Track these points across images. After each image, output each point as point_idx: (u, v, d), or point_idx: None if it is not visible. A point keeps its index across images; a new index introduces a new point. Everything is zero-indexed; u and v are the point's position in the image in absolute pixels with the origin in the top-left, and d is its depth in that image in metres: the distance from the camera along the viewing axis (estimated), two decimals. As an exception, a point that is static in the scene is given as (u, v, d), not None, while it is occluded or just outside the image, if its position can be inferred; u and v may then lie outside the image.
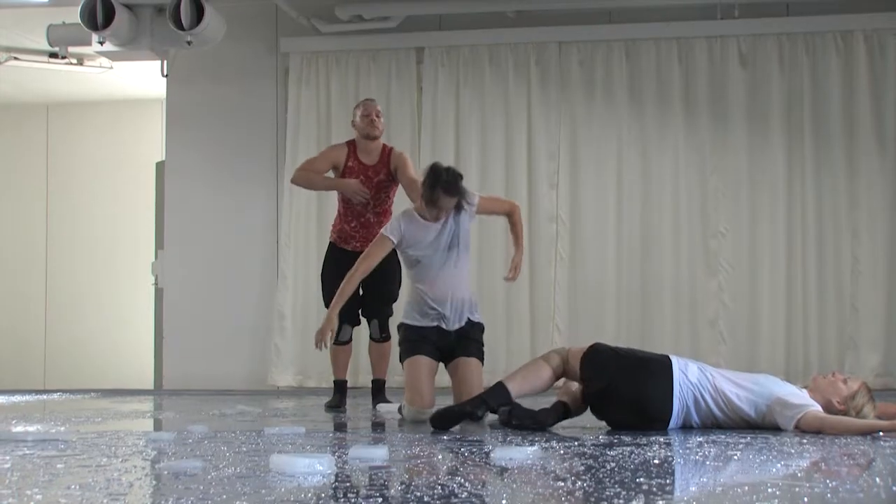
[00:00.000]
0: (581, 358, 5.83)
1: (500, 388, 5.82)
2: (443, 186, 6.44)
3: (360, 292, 7.85)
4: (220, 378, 10.72)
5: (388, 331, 7.92)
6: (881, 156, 10.12)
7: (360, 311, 7.93)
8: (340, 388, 8.04)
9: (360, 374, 10.01)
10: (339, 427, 6.57)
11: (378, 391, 7.98)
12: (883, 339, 9.97)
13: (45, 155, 14.26)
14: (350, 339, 7.98)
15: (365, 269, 6.76)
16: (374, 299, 7.88)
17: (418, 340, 6.62)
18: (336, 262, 7.87)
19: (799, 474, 4.00)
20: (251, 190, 11.03)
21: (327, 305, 7.98)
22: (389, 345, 7.97)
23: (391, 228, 6.71)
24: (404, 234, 6.64)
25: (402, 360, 6.74)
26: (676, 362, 5.73)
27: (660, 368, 5.71)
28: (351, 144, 7.90)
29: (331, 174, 7.90)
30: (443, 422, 5.76)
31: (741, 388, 5.67)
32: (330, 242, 8.03)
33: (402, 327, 6.76)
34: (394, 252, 7.43)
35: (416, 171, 7.72)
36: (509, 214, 7.03)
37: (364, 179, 7.76)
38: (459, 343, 6.65)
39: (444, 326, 6.64)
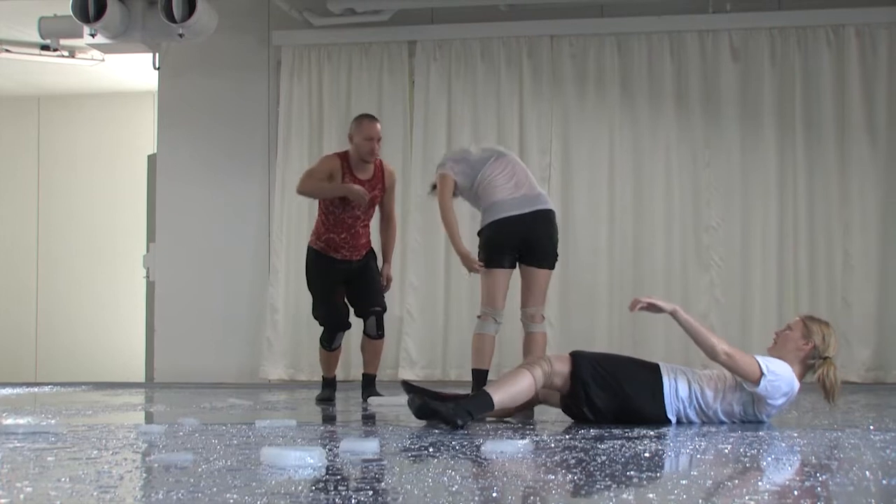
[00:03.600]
0: (573, 366, 5.69)
1: (485, 399, 5.52)
2: None
3: (346, 297, 7.90)
4: (211, 371, 10.72)
5: (383, 328, 7.92)
6: (873, 150, 10.13)
7: (349, 315, 7.96)
8: (329, 382, 8.06)
9: (351, 367, 10.02)
10: (330, 420, 6.58)
11: (369, 384, 7.98)
12: (874, 334, 9.99)
13: (36, 147, 14.23)
14: (340, 345, 8.02)
15: (449, 196, 7.26)
16: (367, 295, 7.89)
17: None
18: (326, 272, 7.86)
19: (789, 468, 4.00)
20: (243, 183, 11.02)
21: (321, 321, 7.97)
22: (383, 342, 7.99)
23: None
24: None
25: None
26: (667, 379, 5.68)
27: (650, 382, 5.68)
28: (344, 158, 7.84)
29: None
30: (421, 412, 5.59)
31: (726, 402, 5.64)
32: (315, 250, 7.92)
33: None
34: (374, 254, 7.92)
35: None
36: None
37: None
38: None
39: None
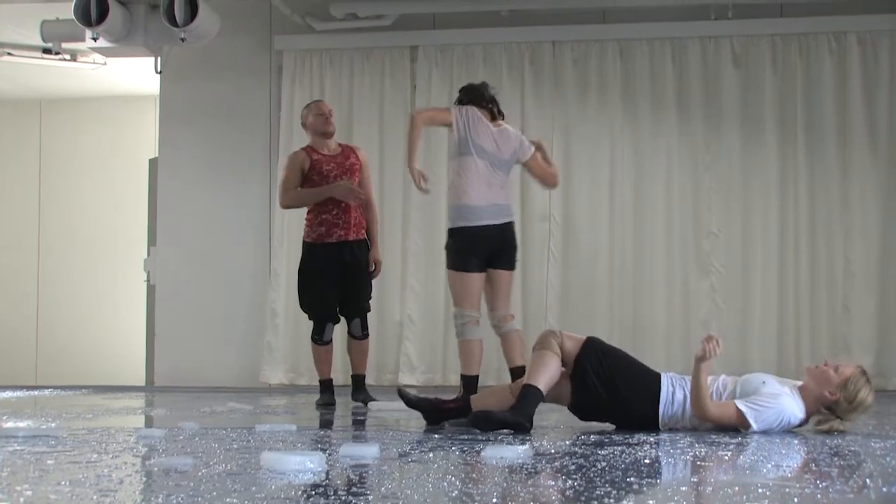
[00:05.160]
0: (581, 348, 5.76)
1: (533, 391, 5.65)
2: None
3: (337, 293, 7.91)
4: (211, 375, 10.72)
5: (367, 328, 8.03)
6: (873, 156, 10.14)
7: (338, 308, 7.99)
8: (328, 386, 8.07)
9: (351, 372, 10.00)
10: (330, 425, 6.57)
11: (359, 386, 8.05)
12: (874, 340, 9.99)
13: (37, 151, 14.24)
14: (331, 339, 8.02)
15: (425, 120, 7.29)
16: (355, 297, 7.94)
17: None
18: (319, 261, 7.88)
19: (789, 475, 4.00)
20: (244, 187, 11.02)
21: (311, 312, 7.98)
22: (368, 342, 8.07)
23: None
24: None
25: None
26: (665, 390, 5.67)
27: (649, 389, 5.68)
28: (307, 149, 8.02)
29: None
30: (487, 425, 5.59)
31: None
32: (308, 243, 7.98)
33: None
34: (368, 247, 7.82)
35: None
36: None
37: (335, 167, 7.87)
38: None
39: None
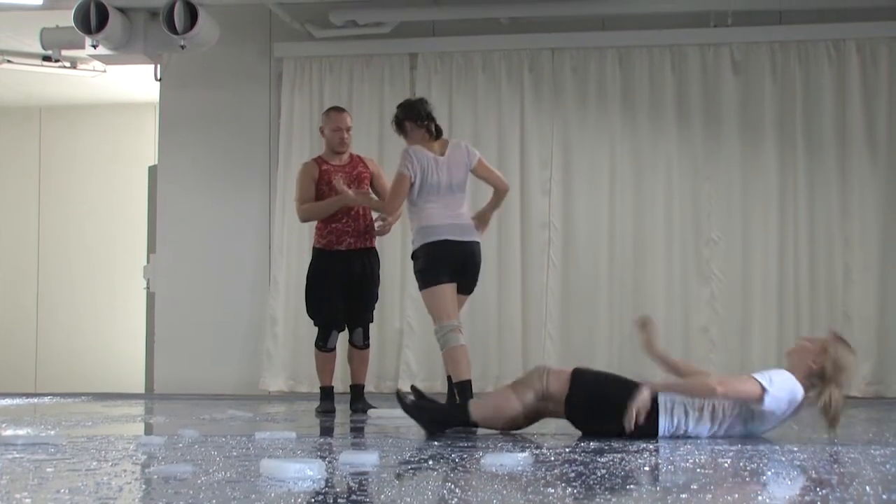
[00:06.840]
0: (569, 387, 5.77)
1: (461, 415, 5.93)
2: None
3: (344, 301, 7.91)
4: (211, 382, 10.70)
5: (369, 338, 8.11)
6: (873, 164, 10.14)
7: (345, 316, 8.00)
8: (328, 393, 8.09)
9: (348, 380, 9.99)
10: (330, 432, 6.58)
11: (358, 395, 8.07)
12: (874, 347, 9.98)
13: (37, 158, 14.24)
14: (335, 347, 8.03)
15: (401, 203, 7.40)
16: (359, 307, 7.96)
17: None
18: (328, 267, 7.90)
19: (789, 482, 4.00)
20: (244, 194, 11.02)
21: (317, 318, 7.99)
22: (369, 352, 8.10)
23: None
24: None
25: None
26: (662, 402, 5.65)
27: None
28: (318, 159, 8.09)
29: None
30: (407, 407, 6.02)
31: (722, 430, 5.63)
32: (318, 249, 8.01)
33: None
34: (377, 257, 7.87)
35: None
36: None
37: (344, 176, 7.87)
38: None
39: None
